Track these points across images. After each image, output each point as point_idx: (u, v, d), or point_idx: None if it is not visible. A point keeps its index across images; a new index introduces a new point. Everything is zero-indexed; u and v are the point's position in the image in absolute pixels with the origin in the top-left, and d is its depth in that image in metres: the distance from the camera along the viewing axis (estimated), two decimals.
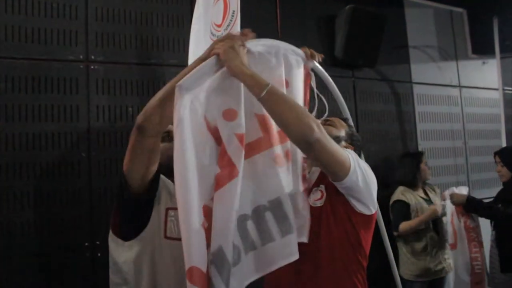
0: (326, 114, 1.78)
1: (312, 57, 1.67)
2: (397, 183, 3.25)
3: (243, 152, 1.34)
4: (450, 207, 3.13)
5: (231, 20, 1.85)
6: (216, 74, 1.36)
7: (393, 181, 3.29)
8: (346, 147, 1.67)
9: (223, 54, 1.34)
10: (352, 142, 1.72)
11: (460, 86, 4.15)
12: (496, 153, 3.26)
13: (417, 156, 3.28)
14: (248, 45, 1.45)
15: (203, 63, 1.35)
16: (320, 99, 1.69)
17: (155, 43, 2.62)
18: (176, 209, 1.30)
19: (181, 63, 2.49)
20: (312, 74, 1.69)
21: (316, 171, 1.65)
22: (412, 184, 3.18)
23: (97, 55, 2.44)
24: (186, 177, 1.22)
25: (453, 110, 4.06)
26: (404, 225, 3.03)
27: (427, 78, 3.91)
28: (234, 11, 1.86)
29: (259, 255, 1.40)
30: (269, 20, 3.05)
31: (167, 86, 1.37)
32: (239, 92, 1.38)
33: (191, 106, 1.28)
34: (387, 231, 2.46)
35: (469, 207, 3.06)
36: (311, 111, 1.52)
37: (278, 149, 1.45)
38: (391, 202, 3.16)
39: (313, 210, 1.56)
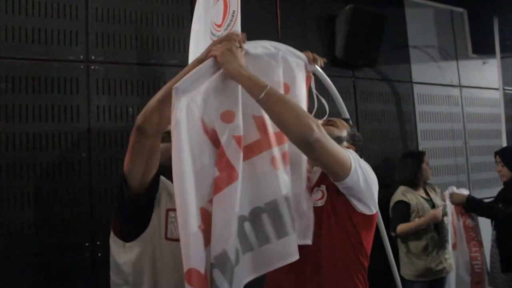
0: (326, 116, 1.78)
1: (314, 61, 1.67)
2: (399, 182, 3.25)
3: (241, 154, 1.34)
4: (449, 207, 3.13)
5: (231, 20, 1.85)
6: (214, 76, 1.36)
7: (393, 181, 3.29)
8: (347, 147, 1.67)
9: (220, 56, 1.34)
10: (354, 142, 1.73)
11: (460, 86, 4.15)
12: (496, 153, 3.26)
13: (419, 156, 3.28)
14: (247, 47, 1.45)
15: (200, 65, 1.35)
16: (319, 100, 1.69)
17: (155, 43, 2.62)
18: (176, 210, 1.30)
19: (181, 63, 2.48)
20: (312, 75, 1.70)
21: (317, 171, 1.65)
22: (413, 184, 3.19)
23: (98, 55, 2.44)
24: (183, 180, 1.22)
25: (453, 110, 4.05)
26: (402, 227, 3.04)
27: (428, 78, 3.91)
28: (234, 11, 1.85)
29: (256, 256, 1.41)
30: (269, 20, 3.05)
31: (166, 86, 1.37)
32: (237, 94, 1.38)
33: (188, 109, 1.28)
34: (386, 231, 2.46)
35: (469, 207, 3.06)
36: (310, 111, 1.52)
37: (275, 151, 1.46)
38: (392, 202, 3.16)
39: (314, 210, 1.56)
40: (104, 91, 2.44)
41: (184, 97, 1.25)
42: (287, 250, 1.41)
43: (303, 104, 1.59)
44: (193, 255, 1.21)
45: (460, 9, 4.24)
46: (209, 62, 1.36)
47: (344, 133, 1.71)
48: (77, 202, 2.30)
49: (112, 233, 1.59)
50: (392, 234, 3.05)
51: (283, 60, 1.56)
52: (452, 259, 3.10)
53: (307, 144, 1.33)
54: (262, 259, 1.41)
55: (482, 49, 4.19)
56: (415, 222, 3.03)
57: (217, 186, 1.30)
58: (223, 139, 1.34)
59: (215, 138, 1.35)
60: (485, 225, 3.25)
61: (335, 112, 2.04)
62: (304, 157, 1.56)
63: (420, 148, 3.69)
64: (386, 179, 3.21)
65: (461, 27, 4.24)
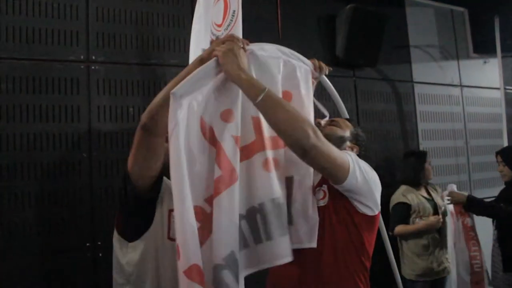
0: (327, 117, 1.78)
1: (320, 69, 1.67)
2: (400, 181, 3.25)
3: (239, 155, 1.35)
4: (449, 206, 3.13)
5: (231, 20, 1.85)
6: (218, 76, 1.36)
7: (393, 181, 3.29)
8: (351, 147, 1.67)
9: (221, 57, 1.34)
10: (358, 142, 1.72)
11: (461, 86, 4.14)
12: (497, 153, 3.25)
13: (422, 156, 3.28)
14: (252, 47, 1.45)
15: (201, 67, 1.35)
16: (321, 102, 1.69)
17: (156, 43, 2.62)
18: None
19: (182, 63, 2.49)
20: (315, 82, 1.70)
21: None
22: (415, 183, 3.19)
23: (98, 55, 2.44)
24: (180, 179, 1.22)
25: (454, 110, 4.05)
26: (400, 228, 3.06)
27: (428, 78, 3.90)
28: (234, 10, 1.86)
29: (251, 253, 1.42)
30: (269, 20, 3.05)
31: (170, 85, 1.38)
32: (237, 94, 1.39)
33: (189, 108, 1.28)
34: (387, 230, 2.46)
35: (470, 206, 3.05)
36: (315, 117, 1.52)
37: (268, 154, 1.46)
38: (392, 202, 3.15)
39: (317, 209, 1.55)
40: (105, 91, 2.44)
41: (182, 100, 1.25)
42: (277, 252, 1.42)
43: (308, 110, 1.58)
44: (195, 252, 1.21)
45: (461, 9, 4.23)
46: (212, 62, 1.36)
47: (347, 133, 1.70)
48: (78, 202, 2.30)
49: (115, 232, 1.59)
50: (389, 233, 3.05)
51: (288, 65, 1.56)
52: (453, 259, 3.09)
53: (302, 150, 1.33)
54: (256, 257, 1.42)
55: (483, 48, 4.18)
56: (413, 226, 3.05)
57: (219, 187, 1.30)
58: (222, 139, 1.34)
59: (211, 137, 1.35)
60: (486, 225, 3.24)
61: (335, 113, 2.04)
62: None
63: (421, 148, 3.69)
64: (387, 178, 3.21)
65: (462, 27, 4.23)
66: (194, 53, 2.22)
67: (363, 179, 1.48)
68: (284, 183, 1.51)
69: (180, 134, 1.23)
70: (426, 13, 4.00)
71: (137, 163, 1.44)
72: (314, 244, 1.50)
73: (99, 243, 2.31)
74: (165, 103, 1.35)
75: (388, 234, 2.95)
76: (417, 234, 3.04)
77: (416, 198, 3.11)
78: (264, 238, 1.42)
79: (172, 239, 1.53)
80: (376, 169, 1.61)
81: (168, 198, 1.56)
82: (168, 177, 1.57)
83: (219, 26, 1.95)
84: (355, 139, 1.72)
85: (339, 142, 1.65)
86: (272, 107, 1.33)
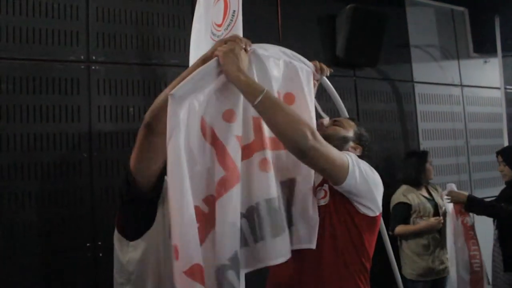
0: (327, 118, 1.77)
1: (321, 71, 1.68)
2: (401, 181, 3.26)
3: (240, 155, 1.36)
4: (448, 206, 3.12)
5: (231, 20, 1.85)
6: (219, 76, 1.36)
7: (393, 180, 3.29)
8: (354, 147, 1.67)
9: (222, 57, 1.34)
10: (361, 142, 1.72)
11: (461, 85, 4.14)
12: (498, 153, 3.25)
13: (423, 155, 3.28)
14: (254, 47, 1.45)
15: (200, 68, 1.35)
16: (321, 102, 1.69)
17: (156, 43, 2.62)
18: None
19: (182, 63, 2.49)
20: (316, 83, 1.70)
21: None
22: (416, 183, 3.19)
23: (98, 55, 2.45)
24: (180, 179, 1.22)
25: (454, 109, 4.05)
26: (400, 228, 3.06)
27: (429, 77, 3.90)
28: (234, 10, 1.85)
29: (249, 252, 1.42)
30: (270, 19, 3.05)
31: (172, 84, 1.38)
32: (239, 94, 1.39)
33: (190, 108, 1.28)
34: (387, 230, 2.46)
35: (471, 206, 3.05)
36: (317, 119, 1.52)
37: (266, 154, 1.46)
38: (392, 202, 3.16)
39: (318, 208, 1.55)
40: (105, 91, 2.44)
41: (182, 101, 1.25)
42: (270, 252, 1.42)
43: (310, 111, 1.58)
44: (196, 252, 1.22)
45: (461, 8, 4.23)
46: (213, 62, 1.36)
47: (350, 133, 1.71)
48: (78, 203, 2.30)
49: (116, 231, 1.59)
50: (389, 233, 3.05)
51: (290, 67, 1.56)
52: (453, 258, 3.09)
53: (301, 151, 1.34)
54: (253, 256, 1.42)
55: (484, 48, 4.18)
56: (414, 226, 3.05)
57: (223, 187, 1.31)
58: (226, 139, 1.34)
59: (211, 137, 1.35)
60: (486, 225, 3.24)
61: (336, 114, 2.04)
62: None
63: (421, 148, 3.69)
64: (387, 178, 3.19)
65: (462, 26, 4.23)
66: (194, 53, 2.22)
67: (363, 180, 1.47)
68: (282, 184, 1.51)
69: (180, 135, 1.23)
70: (427, 13, 4.00)
71: (139, 162, 1.44)
72: (313, 245, 1.50)
73: (99, 243, 2.31)
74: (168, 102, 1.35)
75: (388, 234, 2.96)
76: (418, 234, 3.04)
77: (416, 198, 3.11)
78: (259, 238, 1.43)
79: None
80: (376, 168, 1.61)
81: None
82: None
83: (219, 26, 1.95)
84: (359, 139, 1.72)
85: (342, 143, 1.65)
86: (271, 109, 1.33)
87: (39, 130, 2.26)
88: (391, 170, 3.41)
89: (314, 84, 1.68)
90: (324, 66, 1.70)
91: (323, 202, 1.56)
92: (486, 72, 4.33)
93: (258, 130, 1.46)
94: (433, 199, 3.17)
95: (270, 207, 1.42)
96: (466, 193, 3.09)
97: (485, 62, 4.33)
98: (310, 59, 1.66)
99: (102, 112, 2.42)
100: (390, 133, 3.58)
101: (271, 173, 1.44)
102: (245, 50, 1.41)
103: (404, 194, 3.14)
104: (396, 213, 3.11)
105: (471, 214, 3.12)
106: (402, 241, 3.13)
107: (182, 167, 1.22)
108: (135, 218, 1.53)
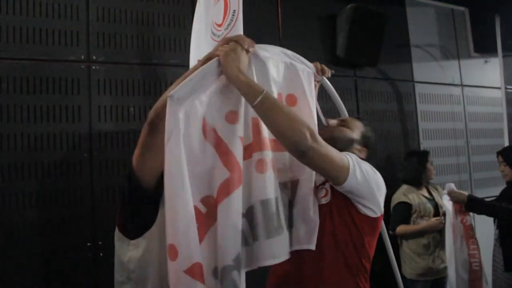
0: (334, 120, 1.76)
1: (322, 72, 1.67)
2: (402, 181, 3.25)
3: (242, 156, 1.37)
4: (448, 205, 3.12)
5: (231, 20, 1.85)
6: (221, 76, 1.36)
7: (394, 180, 3.29)
8: (359, 150, 1.66)
9: (223, 57, 1.34)
10: (367, 144, 1.70)
11: (462, 85, 4.14)
12: (498, 153, 3.25)
13: (424, 155, 3.28)
14: (256, 48, 1.45)
15: (200, 69, 1.35)
16: (321, 102, 1.69)
17: (156, 43, 2.62)
18: None
19: (183, 63, 2.49)
20: (318, 84, 1.70)
21: None
22: (417, 183, 3.19)
23: (99, 55, 2.45)
24: (180, 181, 1.22)
25: (455, 109, 4.05)
26: (402, 228, 3.07)
27: (429, 77, 3.90)
28: (235, 10, 1.85)
29: (250, 251, 1.42)
30: (270, 19, 3.05)
31: (178, 81, 1.38)
32: (240, 95, 1.39)
33: (191, 108, 1.28)
34: (387, 229, 2.45)
35: (471, 205, 3.04)
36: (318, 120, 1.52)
37: (263, 155, 1.45)
38: (393, 201, 3.15)
39: (319, 208, 1.55)
40: (105, 91, 2.44)
41: (181, 102, 1.25)
42: (265, 252, 1.42)
43: (312, 113, 1.58)
44: (196, 251, 1.22)
45: (462, 8, 4.23)
46: (213, 62, 1.36)
47: (356, 135, 1.68)
48: (79, 202, 2.30)
49: (117, 230, 1.59)
50: (390, 232, 3.05)
51: (291, 68, 1.56)
52: (452, 257, 3.09)
53: (300, 152, 1.34)
54: (253, 255, 1.42)
55: (484, 48, 4.17)
56: (415, 226, 3.06)
57: (228, 188, 1.31)
58: (230, 140, 1.35)
59: (213, 138, 1.35)
60: (487, 225, 3.24)
61: (336, 114, 2.04)
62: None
63: (421, 148, 3.68)
64: (387, 178, 3.18)
65: (463, 26, 4.23)
66: (194, 53, 2.22)
67: (364, 180, 1.46)
68: (283, 185, 1.51)
69: (179, 135, 1.23)
70: (427, 13, 3.99)
71: (142, 160, 1.44)
72: (313, 246, 1.49)
73: (99, 243, 2.31)
74: None
75: (389, 233, 2.96)
76: (419, 233, 3.04)
77: (417, 198, 3.11)
78: (255, 238, 1.43)
79: None
80: (376, 168, 1.60)
81: None
82: None
83: (219, 25, 1.95)
84: (365, 141, 1.70)
85: (347, 145, 1.63)
86: (270, 110, 1.33)
87: (39, 130, 2.26)
88: (391, 170, 3.41)
89: (315, 86, 1.68)
90: (325, 68, 1.69)
91: (324, 201, 1.56)
92: (487, 72, 4.32)
93: (257, 131, 1.46)
94: (434, 199, 3.17)
95: (264, 208, 1.42)
96: (466, 193, 3.09)
97: (486, 61, 4.32)
98: (310, 59, 1.66)
99: (103, 112, 2.42)
100: (390, 133, 3.58)
101: (267, 173, 1.44)
102: (247, 51, 1.41)
103: (405, 193, 3.14)
104: (397, 213, 3.11)
105: (470, 213, 3.11)
106: (403, 240, 3.13)
107: (182, 167, 1.23)
108: (136, 217, 1.53)
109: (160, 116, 1.36)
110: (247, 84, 1.34)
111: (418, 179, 3.20)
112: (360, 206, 1.52)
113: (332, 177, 1.45)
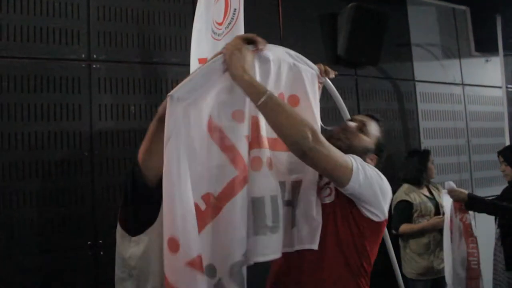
0: (353, 124, 1.74)
1: (326, 73, 1.67)
2: (403, 180, 3.25)
3: (247, 154, 1.38)
4: (448, 204, 3.11)
5: (232, 18, 1.85)
6: (226, 75, 1.37)
7: (394, 179, 3.28)
8: (371, 158, 1.62)
9: (228, 56, 1.34)
10: (379, 152, 1.66)
11: (463, 84, 4.13)
12: (499, 153, 3.24)
13: (425, 155, 3.28)
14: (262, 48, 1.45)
15: (200, 69, 1.36)
16: (322, 102, 1.68)
17: (157, 41, 2.62)
18: None
19: (183, 62, 2.49)
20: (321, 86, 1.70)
21: None
22: (418, 182, 3.19)
23: (99, 54, 2.44)
24: (180, 176, 1.23)
25: (456, 108, 4.04)
26: (405, 227, 3.07)
27: (430, 76, 3.90)
28: (235, 9, 1.86)
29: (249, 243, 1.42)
30: (271, 18, 3.05)
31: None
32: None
33: (194, 108, 1.29)
34: (388, 229, 2.45)
35: (471, 204, 3.04)
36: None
37: (258, 153, 1.45)
38: (394, 201, 3.15)
39: (322, 207, 1.55)
40: (106, 90, 2.44)
41: (180, 102, 1.26)
42: (254, 249, 1.42)
43: (315, 113, 1.58)
44: (197, 243, 1.24)
45: (463, 7, 4.22)
46: (217, 60, 1.36)
47: (372, 144, 1.64)
48: (79, 201, 2.30)
49: (118, 226, 1.59)
50: (393, 232, 3.05)
51: (294, 69, 1.56)
52: (449, 255, 3.08)
53: (301, 152, 1.34)
54: (252, 248, 1.43)
55: (485, 47, 4.17)
56: (418, 225, 3.06)
57: (235, 187, 1.34)
58: (237, 139, 1.36)
59: (219, 137, 1.36)
60: (488, 224, 3.23)
61: (337, 115, 2.04)
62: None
63: (422, 147, 3.68)
64: (388, 177, 3.18)
65: (464, 25, 4.22)
66: (195, 51, 2.22)
67: (368, 184, 1.44)
68: (286, 185, 1.52)
69: (180, 135, 1.24)
70: (428, 12, 3.99)
71: (148, 154, 1.45)
72: (315, 246, 1.49)
73: (100, 241, 2.31)
74: None
75: (391, 233, 2.95)
76: (420, 233, 3.04)
77: (418, 197, 3.11)
78: (253, 232, 1.43)
79: None
80: (376, 167, 1.59)
81: None
82: None
83: (220, 24, 1.95)
84: (378, 149, 1.66)
85: (362, 153, 1.59)
86: (273, 110, 1.34)
87: (40, 129, 2.26)
88: (392, 169, 3.40)
89: (319, 87, 1.67)
90: (329, 69, 1.69)
91: (328, 200, 1.56)
92: (488, 71, 4.32)
93: (255, 129, 1.46)
94: (434, 198, 3.17)
95: (256, 206, 1.43)
96: (466, 191, 3.08)
97: (487, 61, 4.32)
98: (310, 58, 1.66)
99: (103, 110, 2.42)
100: (391, 132, 3.57)
101: (262, 172, 1.44)
102: (260, 50, 1.42)
103: (406, 193, 3.14)
104: (398, 212, 3.11)
105: (470, 212, 3.11)
106: (403, 240, 3.12)
107: (182, 167, 1.23)
108: (138, 213, 1.53)
109: None
110: (251, 84, 1.34)
111: (419, 178, 3.19)
112: (363, 209, 1.50)
113: (334, 178, 1.44)
